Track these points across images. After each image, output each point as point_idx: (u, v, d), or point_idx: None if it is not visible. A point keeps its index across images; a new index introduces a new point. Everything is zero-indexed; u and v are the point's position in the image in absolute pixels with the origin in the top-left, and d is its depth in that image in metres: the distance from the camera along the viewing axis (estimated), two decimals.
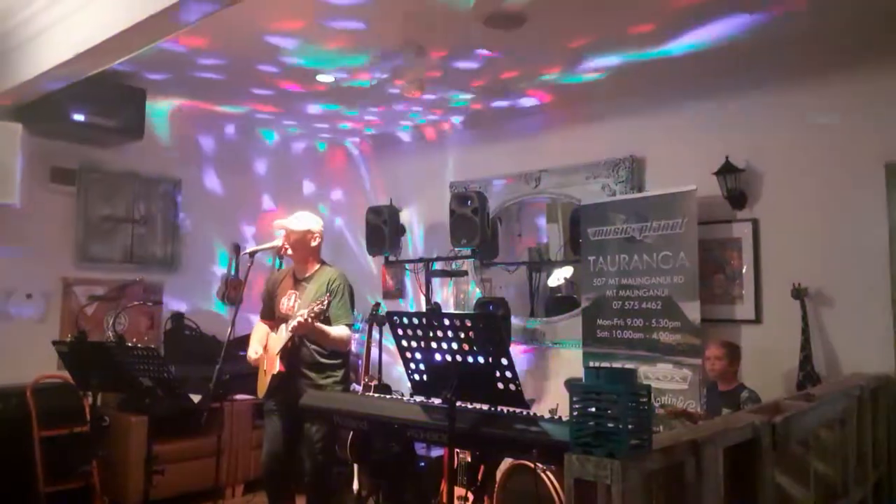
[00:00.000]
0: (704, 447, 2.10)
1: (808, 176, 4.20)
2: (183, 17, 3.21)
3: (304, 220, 3.91)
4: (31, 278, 5.04)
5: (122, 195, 5.52)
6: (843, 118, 4.09)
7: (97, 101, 4.76)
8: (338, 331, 3.74)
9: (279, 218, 4.00)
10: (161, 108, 5.56)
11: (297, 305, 3.85)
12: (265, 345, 3.94)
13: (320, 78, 4.79)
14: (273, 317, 4.02)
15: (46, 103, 4.52)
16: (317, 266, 3.97)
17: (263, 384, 3.95)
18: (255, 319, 4.19)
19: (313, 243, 3.92)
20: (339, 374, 3.88)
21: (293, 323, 3.58)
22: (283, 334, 3.77)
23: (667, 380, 4.37)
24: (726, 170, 4.37)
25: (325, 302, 3.57)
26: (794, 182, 4.25)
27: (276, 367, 3.75)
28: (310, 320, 3.53)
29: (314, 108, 5.65)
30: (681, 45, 4.12)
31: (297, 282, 3.96)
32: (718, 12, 3.69)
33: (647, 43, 4.11)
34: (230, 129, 6.24)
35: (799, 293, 4.06)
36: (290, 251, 3.90)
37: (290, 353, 3.76)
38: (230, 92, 5.23)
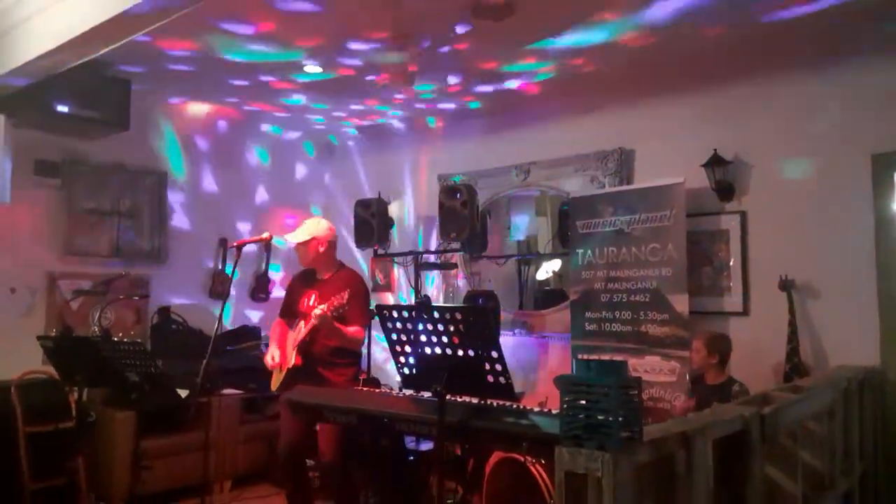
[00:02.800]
0: (694, 439, 2.10)
1: (795, 168, 4.21)
2: (168, 6, 3.17)
3: (306, 230, 4.00)
4: (14, 272, 4.98)
5: (108, 188, 5.46)
6: (831, 111, 4.10)
7: (81, 92, 4.68)
8: (352, 331, 3.82)
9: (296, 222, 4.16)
10: (146, 100, 5.50)
11: (315, 305, 3.93)
12: (282, 345, 4.03)
13: (307, 69, 4.75)
14: (291, 316, 4.13)
15: (29, 95, 4.44)
16: (333, 269, 4.07)
17: (277, 378, 4.02)
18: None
19: (320, 249, 4.00)
20: (350, 372, 3.99)
21: (315, 312, 3.66)
22: (299, 331, 3.90)
23: (655, 372, 4.38)
24: (714, 162, 4.37)
25: (346, 297, 3.65)
26: (782, 174, 4.26)
27: (292, 360, 3.85)
28: (330, 314, 3.62)
29: (301, 100, 5.60)
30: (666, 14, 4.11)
31: (317, 282, 4.07)
32: None
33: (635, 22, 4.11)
34: (219, 122, 6.18)
35: (786, 285, 4.08)
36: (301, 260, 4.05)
37: (306, 346, 3.86)
38: (214, 85, 5.18)
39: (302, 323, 3.93)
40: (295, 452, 3.98)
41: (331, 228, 4.08)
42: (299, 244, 4.00)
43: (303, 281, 4.15)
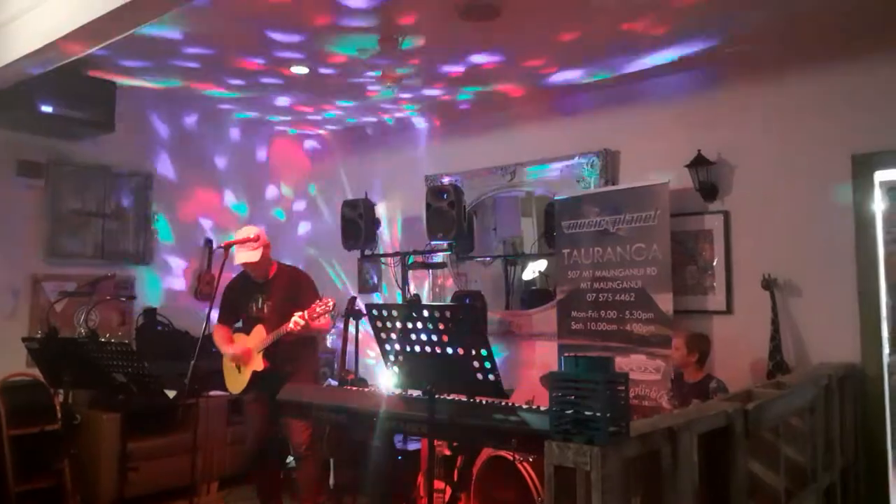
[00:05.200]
0: (680, 434, 2.14)
1: (777, 168, 4.28)
2: (154, 6, 3.17)
3: (255, 248, 4.07)
4: None
5: (93, 189, 5.42)
6: (812, 111, 4.17)
7: (66, 92, 4.66)
8: (320, 322, 3.99)
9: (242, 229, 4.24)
10: (132, 101, 5.48)
11: (266, 308, 4.13)
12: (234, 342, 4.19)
13: (294, 69, 4.75)
14: (232, 323, 4.30)
15: (13, 94, 4.41)
16: (274, 269, 4.22)
17: (238, 380, 4.15)
18: None
19: (268, 257, 4.17)
20: (312, 361, 4.32)
21: (289, 326, 3.86)
22: (260, 335, 4.05)
23: (640, 370, 4.42)
24: (698, 162, 4.43)
25: (330, 303, 3.93)
26: (765, 174, 4.33)
27: (260, 364, 4.00)
28: (306, 325, 3.87)
29: (288, 101, 5.60)
30: (654, 50, 4.17)
31: (260, 285, 4.21)
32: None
33: (621, 42, 4.16)
34: (203, 124, 6.15)
35: (769, 284, 4.14)
36: (250, 269, 4.17)
37: (271, 349, 4.00)
38: (202, 87, 5.17)
39: (260, 328, 4.06)
40: (263, 448, 4.14)
41: (263, 232, 4.16)
42: (253, 263, 4.06)
43: (243, 286, 4.25)
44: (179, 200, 5.99)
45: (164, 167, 5.90)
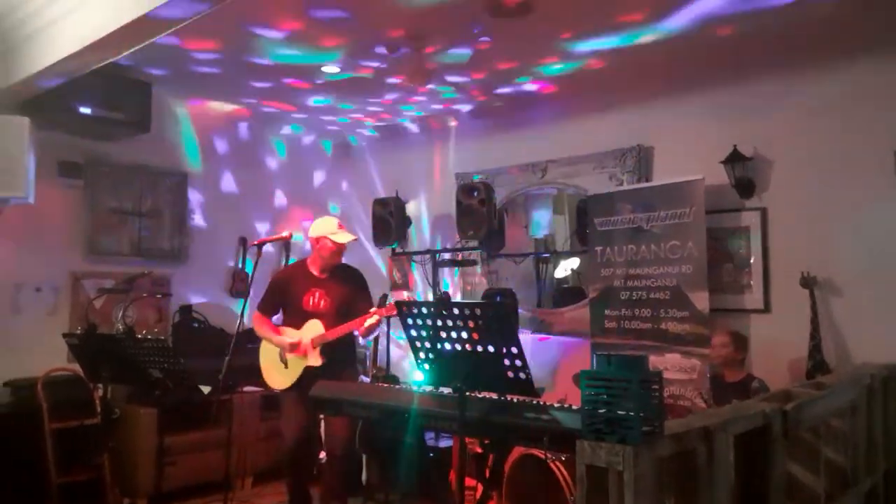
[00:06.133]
0: (716, 434, 2.09)
1: (816, 164, 4.17)
2: (187, 9, 3.21)
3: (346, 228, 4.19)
4: (39, 272, 5.06)
5: (130, 188, 5.53)
6: (852, 106, 4.06)
7: (103, 94, 4.76)
8: (371, 320, 3.98)
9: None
10: (167, 102, 5.57)
11: (324, 303, 4.08)
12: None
13: (325, 69, 4.78)
14: (272, 314, 4.23)
15: (52, 97, 4.49)
16: (334, 264, 4.18)
17: (284, 376, 4.08)
18: None
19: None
20: (354, 360, 4.33)
21: (371, 320, 3.86)
22: (316, 329, 3.99)
23: (675, 370, 4.36)
24: (734, 158, 4.34)
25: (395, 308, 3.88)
26: (803, 170, 4.23)
27: (318, 359, 3.96)
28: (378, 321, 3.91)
29: (319, 101, 5.64)
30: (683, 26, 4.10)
31: (317, 279, 4.13)
32: None
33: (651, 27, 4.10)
34: (238, 123, 6.24)
35: (808, 282, 4.05)
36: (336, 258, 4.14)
37: (329, 346, 3.98)
38: (234, 86, 5.23)
39: (316, 322, 4.01)
40: (301, 446, 4.09)
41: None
42: (344, 247, 4.12)
43: (300, 279, 4.16)
44: (214, 198, 6.07)
45: (199, 166, 5.98)
